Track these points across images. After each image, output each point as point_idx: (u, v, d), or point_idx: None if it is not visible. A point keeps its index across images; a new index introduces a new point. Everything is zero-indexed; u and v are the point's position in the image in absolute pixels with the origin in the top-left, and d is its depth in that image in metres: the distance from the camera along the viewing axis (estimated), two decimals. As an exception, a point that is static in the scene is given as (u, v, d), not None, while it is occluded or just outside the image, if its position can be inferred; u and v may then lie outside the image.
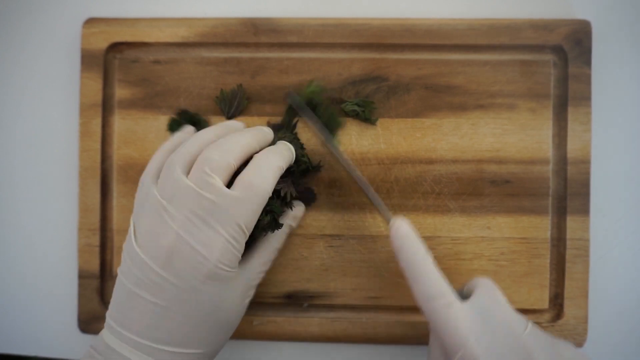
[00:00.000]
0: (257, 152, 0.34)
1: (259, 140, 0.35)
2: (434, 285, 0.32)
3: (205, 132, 0.35)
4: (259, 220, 0.34)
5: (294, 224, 0.39)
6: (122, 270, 0.33)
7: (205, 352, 0.33)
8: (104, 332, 0.33)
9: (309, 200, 0.41)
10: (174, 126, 0.41)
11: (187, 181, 0.31)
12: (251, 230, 0.33)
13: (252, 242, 0.37)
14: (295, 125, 0.40)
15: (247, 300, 0.36)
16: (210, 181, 0.31)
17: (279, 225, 0.36)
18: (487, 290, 0.33)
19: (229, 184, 0.32)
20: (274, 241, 0.38)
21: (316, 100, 0.40)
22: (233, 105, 0.41)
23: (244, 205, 0.32)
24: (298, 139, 0.40)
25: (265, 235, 0.37)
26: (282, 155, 0.35)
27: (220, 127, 0.36)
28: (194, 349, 0.33)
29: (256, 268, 0.36)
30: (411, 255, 0.33)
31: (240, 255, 0.33)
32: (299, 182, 0.39)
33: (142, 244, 0.32)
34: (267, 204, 0.34)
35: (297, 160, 0.38)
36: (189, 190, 0.31)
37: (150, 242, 0.32)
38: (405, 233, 0.34)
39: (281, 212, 0.37)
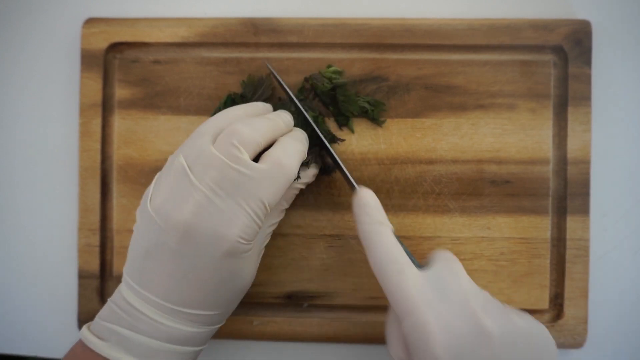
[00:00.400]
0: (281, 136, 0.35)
1: (285, 124, 0.35)
2: (388, 252, 0.31)
3: (235, 109, 0.35)
4: None
5: (302, 186, 0.38)
6: (137, 228, 0.32)
7: (223, 312, 0.34)
8: (123, 289, 0.32)
9: (328, 171, 0.40)
10: (227, 102, 0.40)
11: (214, 150, 0.31)
12: (272, 208, 0.32)
13: None
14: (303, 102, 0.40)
15: (259, 263, 0.36)
16: (238, 154, 0.31)
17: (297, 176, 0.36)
18: (445, 261, 0.32)
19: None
20: (283, 201, 0.37)
21: (336, 82, 0.40)
22: (257, 92, 0.40)
23: (270, 181, 0.31)
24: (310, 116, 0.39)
25: None
26: (303, 142, 0.35)
27: (249, 107, 0.36)
28: (212, 310, 0.33)
29: (266, 230, 0.36)
30: (368, 223, 0.32)
31: (259, 230, 0.33)
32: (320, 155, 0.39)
33: (160, 209, 0.31)
34: None
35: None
36: (216, 160, 0.30)
37: (169, 210, 0.30)
38: (366, 201, 0.33)
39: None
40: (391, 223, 0.41)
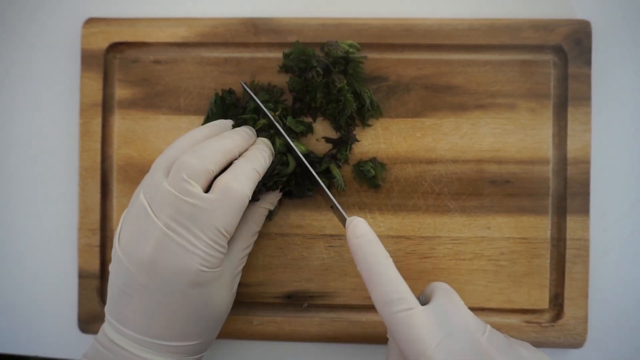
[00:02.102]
0: (236, 158, 0.34)
1: (238, 145, 0.35)
2: (394, 289, 0.31)
3: (188, 136, 0.35)
4: None
5: (271, 207, 0.39)
6: (112, 268, 0.33)
7: (202, 342, 0.34)
8: (105, 327, 0.33)
9: (303, 194, 0.40)
10: (217, 101, 0.40)
11: (166, 185, 0.31)
12: (232, 233, 0.33)
13: None
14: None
15: (235, 289, 0.36)
16: (189, 188, 0.31)
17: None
18: (445, 294, 0.32)
19: (208, 189, 0.32)
20: (252, 225, 0.37)
21: (350, 57, 0.39)
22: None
23: (223, 209, 0.31)
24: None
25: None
26: (258, 159, 0.35)
27: (206, 128, 0.36)
28: (190, 340, 0.33)
29: (238, 255, 0.36)
30: (369, 256, 0.32)
31: (223, 256, 0.33)
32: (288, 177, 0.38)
33: (126, 249, 0.32)
34: None
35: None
36: (169, 195, 0.31)
37: (133, 249, 0.32)
38: (362, 232, 0.32)
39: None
40: (391, 223, 0.41)
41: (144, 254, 0.31)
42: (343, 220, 0.35)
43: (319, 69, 0.38)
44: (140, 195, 0.32)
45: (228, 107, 0.40)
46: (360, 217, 0.41)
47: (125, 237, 0.32)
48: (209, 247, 0.31)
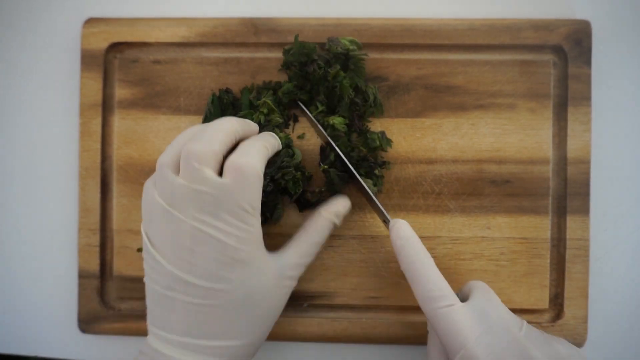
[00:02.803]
0: (240, 139, 0.34)
1: (242, 125, 0.35)
2: (436, 287, 0.33)
3: (189, 130, 0.35)
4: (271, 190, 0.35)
5: (337, 221, 0.38)
6: (149, 277, 0.33)
7: (248, 343, 0.33)
8: (149, 338, 0.33)
9: (303, 206, 0.40)
10: (214, 101, 0.40)
11: (180, 180, 0.31)
12: (258, 208, 0.32)
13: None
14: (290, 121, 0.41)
15: (286, 290, 0.35)
16: (203, 175, 0.31)
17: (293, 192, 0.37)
18: (483, 292, 0.34)
19: (222, 171, 0.32)
20: (313, 234, 0.37)
21: (353, 53, 0.39)
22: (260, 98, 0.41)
23: (240, 187, 0.31)
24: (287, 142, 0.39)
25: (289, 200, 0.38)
26: (266, 139, 0.35)
27: (211, 123, 0.36)
28: (235, 340, 0.33)
29: (291, 259, 0.36)
30: (413, 256, 0.34)
31: (258, 234, 0.33)
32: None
33: (163, 253, 0.32)
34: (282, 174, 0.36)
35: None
36: (185, 190, 0.31)
37: (170, 250, 0.32)
38: (406, 234, 0.35)
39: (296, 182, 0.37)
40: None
41: (182, 252, 0.31)
42: (385, 222, 0.37)
43: (319, 62, 0.38)
44: (156, 197, 0.32)
45: (226, 106, 0.40)
46: (360, 216, 0.41)
47: (160, 242, 0.32)
48: (239, 228, 0.31)
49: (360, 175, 0.39)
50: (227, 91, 0.41)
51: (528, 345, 0.31)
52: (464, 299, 0.34)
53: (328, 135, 0.39)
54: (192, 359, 0.32)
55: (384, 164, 0.40)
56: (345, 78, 0.38)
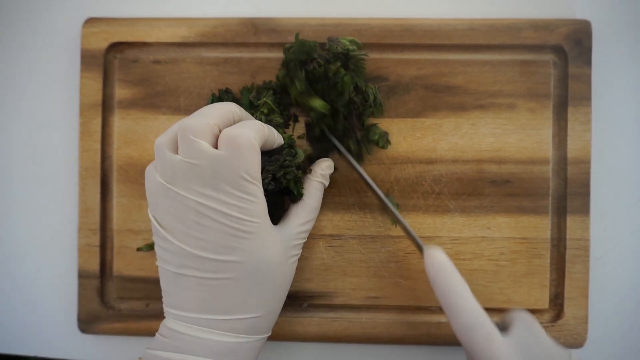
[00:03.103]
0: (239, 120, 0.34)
1: (241, 109, 0.35)
2: (474, 316, 0.32)
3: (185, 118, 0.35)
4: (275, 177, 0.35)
5: (325, 182, 0.39)
6: (161, 259, 0.33)
7: (263, 315, 0.33)
8: (166, 320, 0.33)
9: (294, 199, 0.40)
10: (214, 101, 0.40)
11: (178, 157, 0.31)
12: (257, 177, 0.32)
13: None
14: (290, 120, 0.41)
15: (293, 260, 0.36)
16: (196, 146, 0.31)
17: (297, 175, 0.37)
18: (526, 323, 0.33)
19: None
20: (308, 200, 0.37)
21: (352, 53, 0.39)
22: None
23: (236, 157, 0.31)
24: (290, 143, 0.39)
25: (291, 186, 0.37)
26: (265, 125, 0.35)
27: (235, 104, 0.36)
28: (249, 313, 0.33)
29: (294, 228, 0.36)
30: (449, 286, 0.33)
31: (263, 206, 0.33)
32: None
33: (172, 232, 0.32)
34: (280, 158, 0.35)
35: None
36: (183, 165, 0.31)
37: (178, 228, 0.32)
38: (441, 263, 0.34)
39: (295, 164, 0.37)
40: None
41: (191, 229, 0.31)
42: (419, 247, 0.37)
43: (320, 60, 0.38)
44: (158, 178, 0.32)
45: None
46: (360, 216, 0.41)
47: (167, 222, 0.32)
48: (241, 199, 0.31)
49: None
50: (227, 91, 0.41)
51: None
52: (504, 328, 0.33)
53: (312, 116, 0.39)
54: (208, 335, 0.32)
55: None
56: (347, 75, 0.38)
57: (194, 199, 0.31)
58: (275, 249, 0.33)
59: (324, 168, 0.39)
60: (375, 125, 0.40)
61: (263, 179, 0.35)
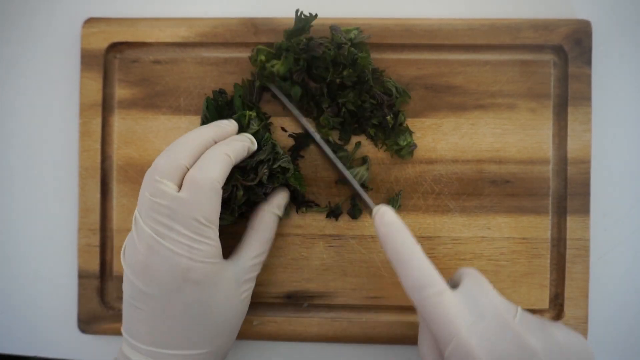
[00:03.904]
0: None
1: (215, 132, 0.35)
2: (425, 273, 0.32)
3: (174, 143, 0.35)
4: (229, 200, 0.35)
5: (280, 213, 0.38)
6: (123, 285, 0.34)
7: (210, 352, 0.34)
8: (123, 345, 0.34)
9: (297, 203, 0.41)
10: (209, 105, 0.40)
11: (146, 193, 0.32)
12: (215, 221, 0.33)
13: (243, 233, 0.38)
14: (257, 99, 0.41)
15: (245, 296, 0.36)
16: (160, 187, 0.32)
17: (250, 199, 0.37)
18: (474, 279, 0.33)
19: None
20: (262, 232, 0.37)
21: (361, 39, 0.39)
22: (252, 94, 0.41)
23: (196, 200, 0.32)
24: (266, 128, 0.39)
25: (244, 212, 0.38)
26: (232, 146, 0.35)
27: (184, 135, 0.36)
28: (195, 349, 0.33)
29: (247, 262, 0.36)
30: (399, 243, 0.33)
31: (216, 248, 0.33)
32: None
33: (127, 260, 0.33)
34: (233, 179, 0.35)
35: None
36: (148, 201, 0.32)
37: (131, 258, 0.33)
38: (390, 220, 0.33)
39: (249, 187, 0.37)
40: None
41: (138, 261, 0.32)
42: (369, 210, 0.36)
43: (328, 45, 0.38)
44: (136, 209, 0.34)
45: (221, 108, 0.40)
46: (361, 217, 0.41)
47: (127, 250, 0.34)
48: (193, 240, 0.32)
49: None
50: (221, 92, 0.41)
51: (523, 332, 0.30)
52: (454, 287, 0.33)
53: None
54: None
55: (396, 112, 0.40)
56: (360, 54, 0.38)
57: (148, 232, 0.32)
58: (225, 289, 0.34)
59: (279, 199, 0.38)
60: (409, 131, 0.40)
61: (255, 180, 0.36)
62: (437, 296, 0.31)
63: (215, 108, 0.40)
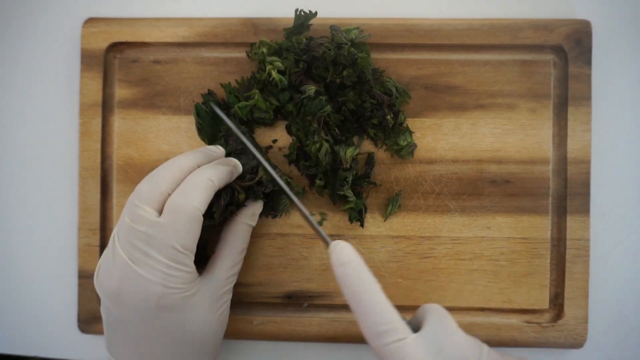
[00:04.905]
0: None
1: (199, 158, 0.35)
2: (383, 319, 0.30)
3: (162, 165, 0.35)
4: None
5: (253, 223, 0.38)
6: (101, 307, 0.34)
7: None
8: None
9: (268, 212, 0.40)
10: (200, 111, 0.40)
11: (125, 217, 0.32)
12: (191, 248, 0.32)
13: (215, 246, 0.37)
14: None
15: (222, 311, 0.35)
16: (139, 212, 0.32)
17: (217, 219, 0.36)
18: (437, 318, 0.31)
19: None
20: (236, 243, 0.37)
21: (362, 38, 0.39)
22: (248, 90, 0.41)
23: (174, 227, 0.31)
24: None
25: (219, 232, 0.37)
26: (216, 170, 0.34)
27: (168, 162, 0.36)
28: None
29: (222, 275, 0.36)
30: (355, 285, 0.30)
31: (191, 274, 0.33)
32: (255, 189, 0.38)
33: (100, 284, 0.33)
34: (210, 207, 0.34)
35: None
36: (126, 226, 0.32)
37: (104, 282, 0.33)
38: (346, 259, 0.31)
39: (223, 210, 0.36)
40: (391, 223, 0.41)
41: (111, 286, 0.32)
42: (326, 244, 0.33)
43: (328, 45, 0.38)
44: (114, 230, 0.33)
45: (213, 110, 0.40)
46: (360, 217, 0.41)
47: (101, 272, 0.33)
48: (169, 267, 0.31)
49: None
50: (210, 93, 0.41)
51: None
52: (417, 325, 0.31)
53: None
54: None
55: (369, 183, 0.40)
56: (360, 54, 0.38)
57: (123, 257, 0.32)
58: (201, 310, 0.34)
59: (254, 208, 0.38)
60: (409, 131, 0.40)
61: (254, 180, 0.36)
62: (397, 344, 0.29)
63: (207, 112, 0.40)
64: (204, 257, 0.37)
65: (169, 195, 0.33)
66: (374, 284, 0.31)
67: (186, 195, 0.32)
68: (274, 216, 0.41)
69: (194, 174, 0.33)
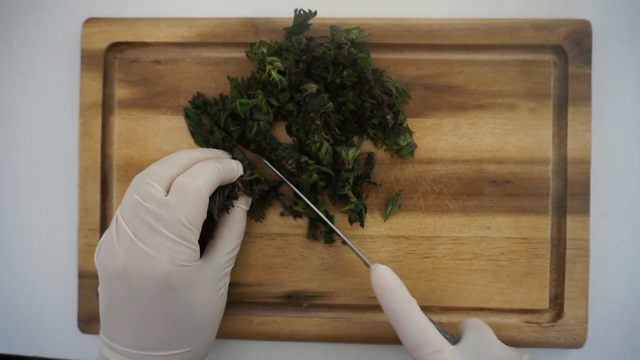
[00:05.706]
0: None
1: (207, 154, 0.36)
2: (421, 333, 0.32)
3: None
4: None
5: (246, 207, 0.39)
6: (99, 287, 0.34)
7: (193, 350, 0.34)
8: (102, 348, 0.34)
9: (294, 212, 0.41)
10: (189, 114, 0.40)
11: (135, 195, 0.33)
12: (197, 226, 0.33)
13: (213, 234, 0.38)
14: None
15: (222, 292, 0.36)
16: (150, 190, 0.32)
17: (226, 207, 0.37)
18: (476, 330, 0.33)
19: None
20: (234, 227, 0.38)
21: (362, 38, 0.39)
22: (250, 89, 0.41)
23: (180, 203, 0.32)
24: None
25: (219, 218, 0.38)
26: (223, 163, 0.36)
27: (209, 152, 0.37)
28: (180, 349, 0.34)
29: (222, 257, 0.36)
30: (393, 304, 0.33)
31: (195, 252, 0.33)
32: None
33: (102, 263, 0.33)
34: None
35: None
36: (135, 203, 0.32)
37: (107, 261, 0.33)
38: (383, 282, 0.34)
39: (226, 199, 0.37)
40: (391, 223, 0.41)
41: (116, 265, 0.32)
42: (365, 264, 0.37)
43: (328, 45, 0.38)
44: (117, 210, 0.34)
45: (202, 111, 0.40)
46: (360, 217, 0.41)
47: (102, 252, 0.33)
48: (176, 243, 0.32)
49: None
50: (199, 95, 0.41)
51: None
52: (457, 339, 0.33)
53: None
54: None
55: (369, 182, 0.40)
56: (360, 54, 0.38)
57: (129, 234, 0.32)
58: (204, 290, 0.34)
59: (249, 198, 0.39)
60: (409, 131, 0.40)
61: (253, 176, 0.37)
62: (435, 354, 0.31)
63: (198, 115, 0.40)
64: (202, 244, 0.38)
65: (177, 177, 0.33)
66: (411, 304, 0.33)
67: (193, 176, 0.33)
68: (258, 220, 0.41)
69: (202, 162, 0.35)
